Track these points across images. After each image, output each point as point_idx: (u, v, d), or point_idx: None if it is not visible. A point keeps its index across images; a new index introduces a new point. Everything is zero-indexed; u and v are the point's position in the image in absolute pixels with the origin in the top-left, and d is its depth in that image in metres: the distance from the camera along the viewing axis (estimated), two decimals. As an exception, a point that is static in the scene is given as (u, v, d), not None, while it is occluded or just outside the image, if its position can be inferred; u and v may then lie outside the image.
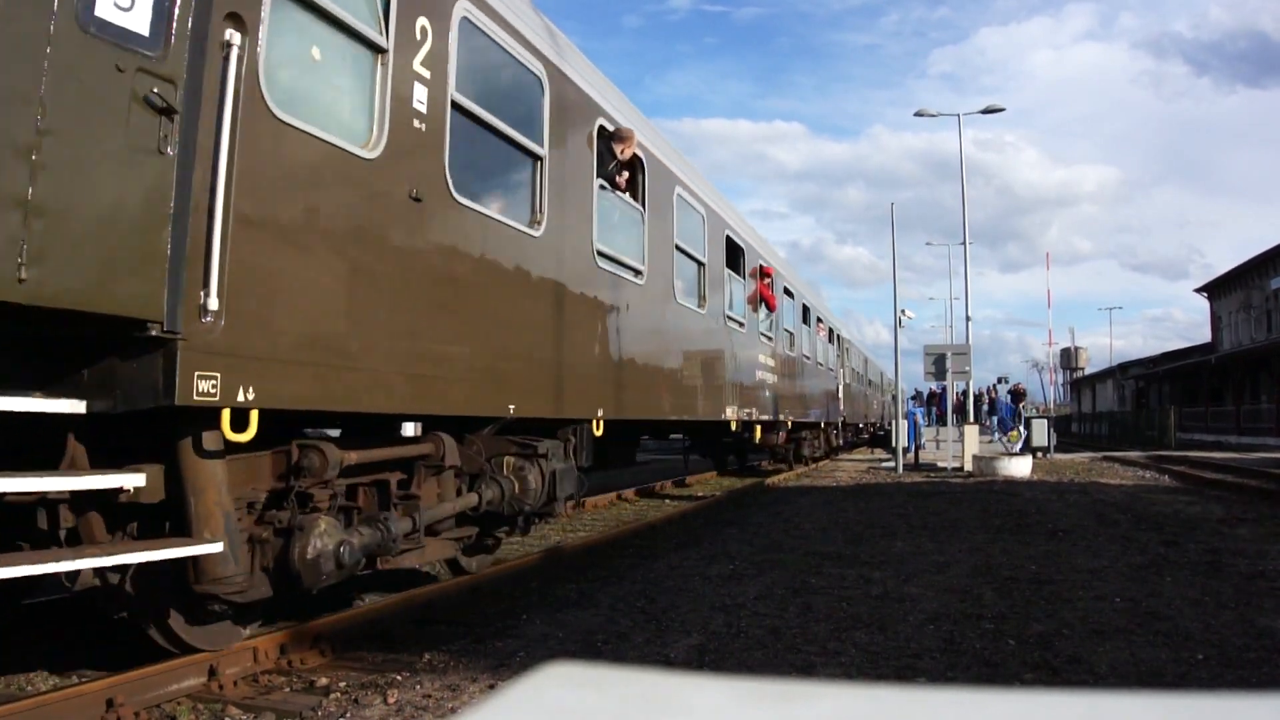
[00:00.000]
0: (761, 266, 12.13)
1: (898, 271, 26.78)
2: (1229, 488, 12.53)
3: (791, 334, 14.55)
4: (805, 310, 16.16)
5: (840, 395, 20.69)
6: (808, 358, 16.09)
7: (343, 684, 3.72)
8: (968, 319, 20.48)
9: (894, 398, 21.03)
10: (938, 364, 17.02)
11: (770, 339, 12.58)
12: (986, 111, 21.89)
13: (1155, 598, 5.11)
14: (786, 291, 14.02)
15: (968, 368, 17.49)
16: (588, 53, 7.24)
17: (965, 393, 21.51)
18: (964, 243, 21.24)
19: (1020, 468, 15.17)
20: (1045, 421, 23.55)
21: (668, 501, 12.05)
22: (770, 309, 12.55)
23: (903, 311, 19.04)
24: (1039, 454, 20.51)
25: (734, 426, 10.55)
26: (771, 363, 12.58)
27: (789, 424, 14.13)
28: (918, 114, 22.46)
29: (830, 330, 19.45)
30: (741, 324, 10.83)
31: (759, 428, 12.10)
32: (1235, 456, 20.97)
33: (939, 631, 4.41)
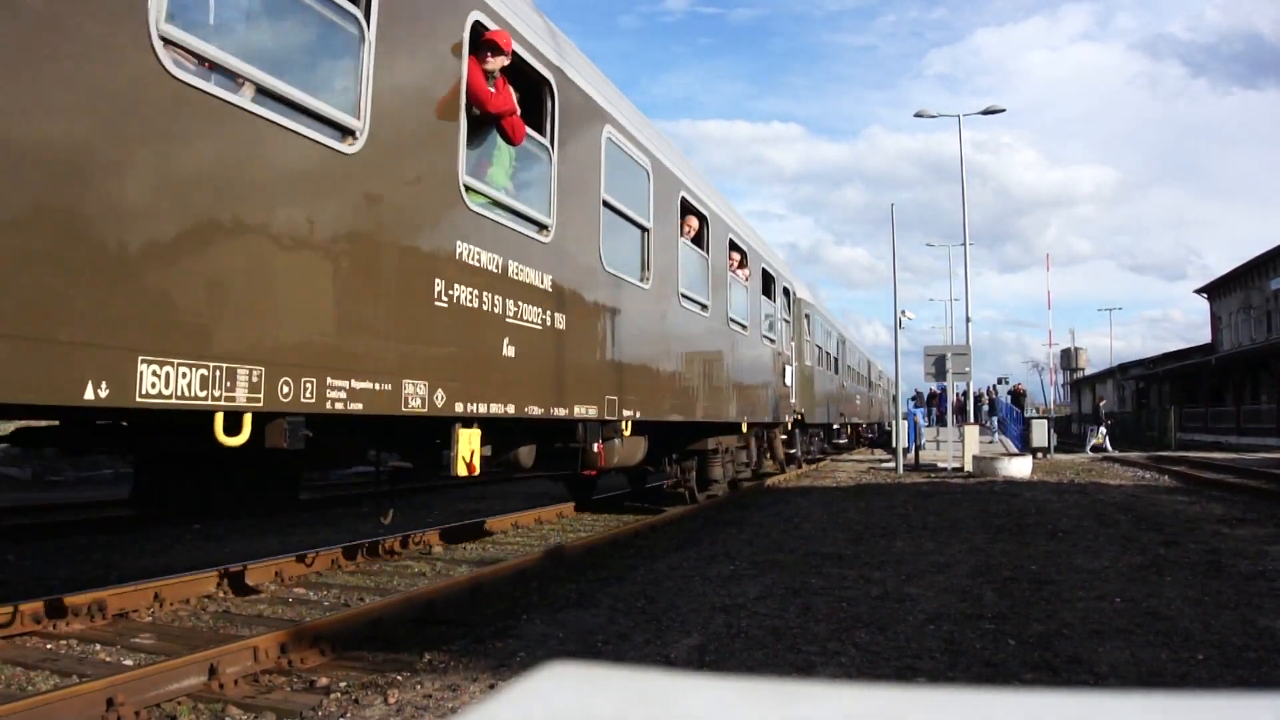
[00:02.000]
0: (479, 25, 4.87)
1: (897, 272, 26.84)
2: (1229, 488, 12.54)
3: (648, 246, 7.73)
4: (698, 217, 9.29)
5: (792, 383, 14.18)
6: (701, 305, 9.33)
7: (343, 684, 3.72)
8: (968, 320, 20.49)
9: (894, 398, 20.87)
10: (938, 365, 17.06)
11: (543, 229, 5.72)
12: (987, 112, 21.87)
13: (1155, 598, 5.11)
14: (630, 157, 7.35)
15: (968, 368, 17.52)
16: (585, 52, 6.92)
17: (965, 393, 21.55)
18: (964, 244, 21.24)
19: (1020, 468, 15.19)
20: (1045, 422, 23.59)
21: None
22: (513, 140, 5.29)
23: (903, 312, 19.06)
24: (1039, 454, 20.54)
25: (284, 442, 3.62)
26: (545, 287, 5.69)
27: (624, 426, 7.16)
28: (918, 115, 22.43)
29: (767, 274, 12.73)
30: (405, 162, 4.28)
31: (467, 435, 4.94)
32: (1235, 457, 20.99)
33: (939, 632, 4.41)
